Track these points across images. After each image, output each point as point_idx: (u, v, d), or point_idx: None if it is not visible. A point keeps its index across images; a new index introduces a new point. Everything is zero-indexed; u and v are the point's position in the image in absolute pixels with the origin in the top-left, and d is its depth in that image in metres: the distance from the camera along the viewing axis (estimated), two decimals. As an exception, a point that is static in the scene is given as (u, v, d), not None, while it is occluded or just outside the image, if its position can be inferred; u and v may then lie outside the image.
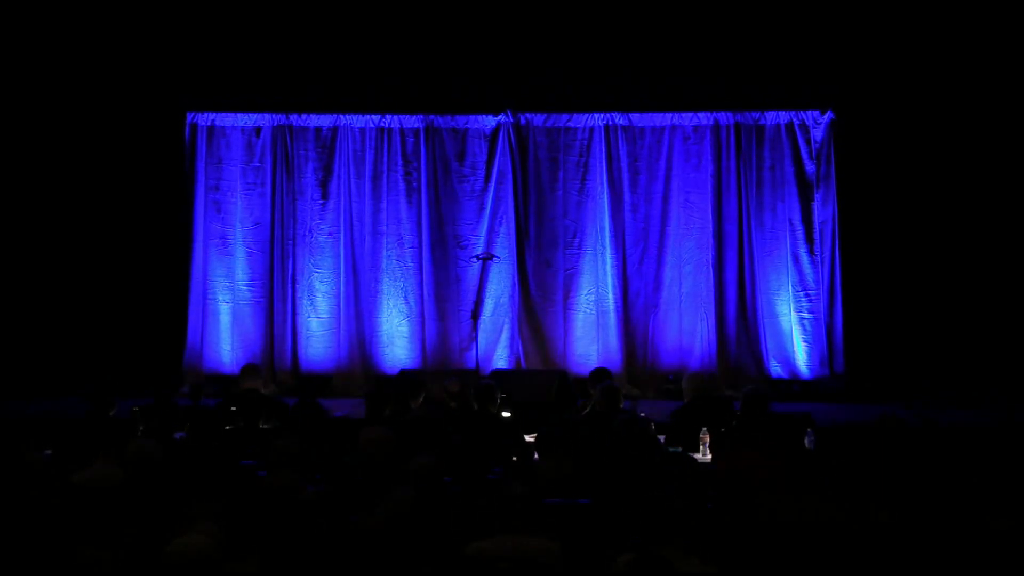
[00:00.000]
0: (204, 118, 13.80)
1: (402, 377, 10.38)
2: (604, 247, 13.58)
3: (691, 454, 8.55)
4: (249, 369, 10.09)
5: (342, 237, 13.76)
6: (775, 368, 13.32)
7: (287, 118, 13.79)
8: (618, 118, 13.58)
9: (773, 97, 13.33)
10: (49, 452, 7.75)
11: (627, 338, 13.57)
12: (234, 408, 8.92)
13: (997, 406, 12.25)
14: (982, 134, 13.01)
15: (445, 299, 13.74)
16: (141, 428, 8.49)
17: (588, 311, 13.64)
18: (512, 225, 13.65)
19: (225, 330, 13.77)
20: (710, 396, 9.58)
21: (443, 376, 11.19)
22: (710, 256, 13.45)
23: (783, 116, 13.42)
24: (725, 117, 13.47)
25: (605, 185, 13.57)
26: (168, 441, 7.51)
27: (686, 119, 13.54)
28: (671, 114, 13.54)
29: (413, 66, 13.52)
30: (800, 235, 13.35)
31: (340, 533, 5.58)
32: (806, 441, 8.32)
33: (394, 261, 13.79)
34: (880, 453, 6.77)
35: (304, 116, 13.80)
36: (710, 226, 13.45)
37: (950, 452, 7.22)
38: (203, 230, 13.78)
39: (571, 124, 13.66)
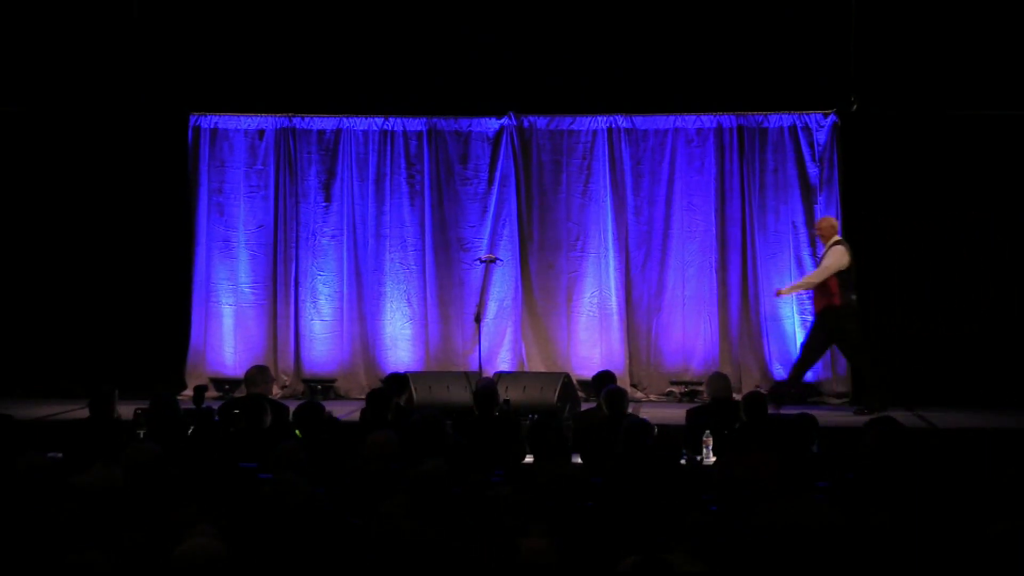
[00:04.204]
0: (207, 120, 13.80)
1: (390, 379, 10.39)
2: (607, 250, 13.57)
3: (695, 457, 8.56)
4: (255, 371, 10.04)
5: (345, 240, 13.76)
6: (778, 371, 13.31)
7: (290, 120, 13.79)
8: (621, 121, 13.57)
9: (776, 100, 13.31)
10: (60, 455, 7.76)
11: (630, 341, 13.57)
12: (236, 411, 8.92)
13: (999, 409, 12.25)
14: (985, 136, 13.00)
15: (448, 302, 13.74)
16: (142, 430, 8.48)
17: (591, 314, 13.63)
18: (515, 228, 13.64)
19: (228, 332, 13.76)
20: (727, 398, 9.60)
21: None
22: (713, 259, 13.44)
23: (786, 119, 13.40)
24: (728, 120, 13.46)
25: (608, 188, 13.56)
26: (169, 443, 7.50)
27: (689, 122, 13.53)
28: (674, 117, 13.52)
29: (416, 68, 13.52)
30: (803, 238, 13.33)
31: (341, 536, 5.58)
32: (809, 444, 8.30)
33: (397, 264, 13.78)
34: (875, 455, 6.78)
35: (307, 118, 13.80)
36: (713, 229, 13.44)
37: (951, 455, 7.22)
38: (206, 232, 13.77)
39: (574, 127, 13.66)
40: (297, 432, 8.29)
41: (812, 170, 13.33)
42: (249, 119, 13.81)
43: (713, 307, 13.43)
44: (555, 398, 11.21)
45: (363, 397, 10.49)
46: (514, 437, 8.82)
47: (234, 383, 13.11)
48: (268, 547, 5.38)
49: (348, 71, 13.58)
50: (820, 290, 12.30)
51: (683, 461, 8.18)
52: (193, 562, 4.65)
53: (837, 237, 12.42)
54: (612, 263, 13.54)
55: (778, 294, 12.87)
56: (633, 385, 13.36)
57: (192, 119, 13.78)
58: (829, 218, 12.71)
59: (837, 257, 12.22)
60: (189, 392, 12.39)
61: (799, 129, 13.37)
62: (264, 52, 13.51)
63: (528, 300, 13.70)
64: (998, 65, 12.89)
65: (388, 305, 13.76)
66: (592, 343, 13.60)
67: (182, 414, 8.70)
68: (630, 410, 9.86)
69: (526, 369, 13.35)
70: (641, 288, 13.60)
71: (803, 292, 13.23)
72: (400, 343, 13.75)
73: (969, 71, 12.92)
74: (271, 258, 13.78)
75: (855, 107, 13.09)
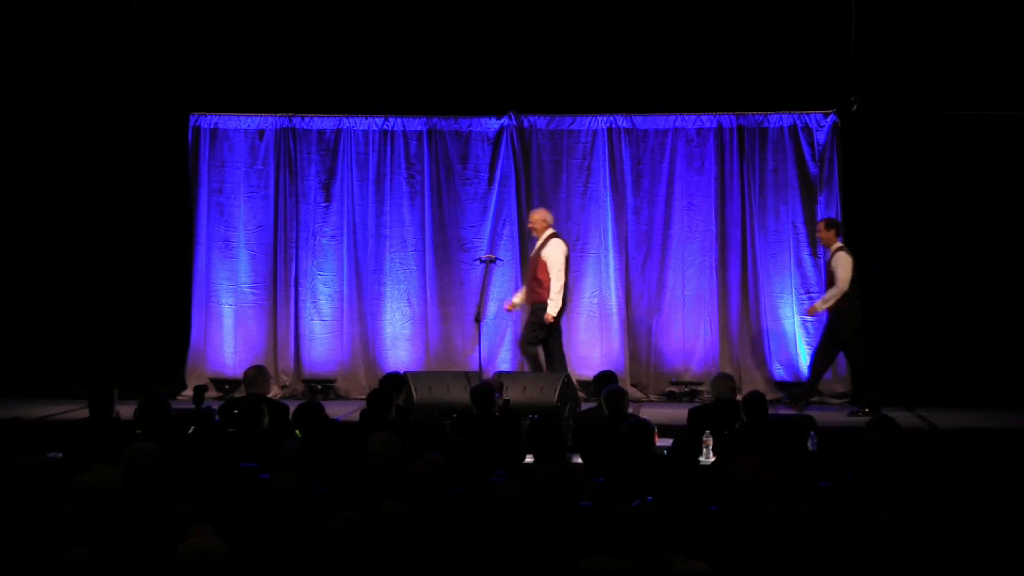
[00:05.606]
0: (207, 120, 13.79)
1: (387, 379, 10.40)
2: (607, 250, 13.57)
3: (695, 457, 8.56)
4: (255, 371, 10.02)
5: (345, 240, 13.76)
6: (778, 371, 13.31)
7: (290, 120, 13.78)
8: (621, 121, 13.57)
9: (776, 100, 13.31)
10: (59, 455, 7.76)
11: (630, 341, 13.57)
12: (236, 411, 8.92)
13: (1000, 409, 12.26)
14: (985, 136, 13.00)
15: (448, 302, 13.74)
16: (140, 431, 8.47)
17: (591, 314, 13.63)
18: (515, 228, 13.64)
19: (228, 332, 13.75)
20: (729, 399, 9.59)
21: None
22: (713, 259, 13.44)
23: (786, 119, 13.40)
24: (728, 120, 13.46)
25: (608, 188, 13.56)
26: (168, 443, 7.50)
27: (689, 122, 13.53)
28: (674, 116, 13.53)
29: (416, 68, 13.52)
30: (803, 238, 13.34)
31: (340, 535, 5.57)
32: (808, 444, 8.32)
33: (397, 264, 13.78)
34: (875, 455, 6.78)
35: (307, 119, 13.80)
36: (713, 229, 13.44)
37: (952, 455, 7.22)
38: (206, 233, 13.76)
39: (574, 127, 13.65)
40: (297, 432, 8.29)
41: (812, 170, 13.34)
42: (249, 119, 13.81)
43: (713, 307, 13.43)
44: (555, 398, 11.20)
45: (363, 397, 10.50)
46: (514, 437, 8.82)
47: (234, 383, 13.10)
48: (268, 547, 5.38)
49: (348, 71, 13.58)
50: (533, 283, 12.43)
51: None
52: (194, 561, 4.64)
53: (552, 231, 12.48)
54: (612, 263, 13.54)
55: (523, 313, 12.88)
56: (633, 385, 13.36)
57: (192, 119, 13.77)
58: (542, 210, 12.77)
59: (559, 250, 12.33)
60: (189, 392, 12.40)
61: (799, 129, 13.37)
62: (264, 52, 13.51)
63: (528, 300, 13.68)
64: (998, 66, 12.90)
65: (388, 305, 13.76)
66: (592, 343, 13.60)
67: (175, 415, 8.68)
68: (630, 410, 9.86)
69: (526, 369, 13.34)
70: (641, 288, 13.60)
71: (804, 291, 13.25)
72: (400, 343, 13.74)
73: (969, 71, 12.92)
74: (271, 258, 13.77)
75: (855, 107, 13.08)
